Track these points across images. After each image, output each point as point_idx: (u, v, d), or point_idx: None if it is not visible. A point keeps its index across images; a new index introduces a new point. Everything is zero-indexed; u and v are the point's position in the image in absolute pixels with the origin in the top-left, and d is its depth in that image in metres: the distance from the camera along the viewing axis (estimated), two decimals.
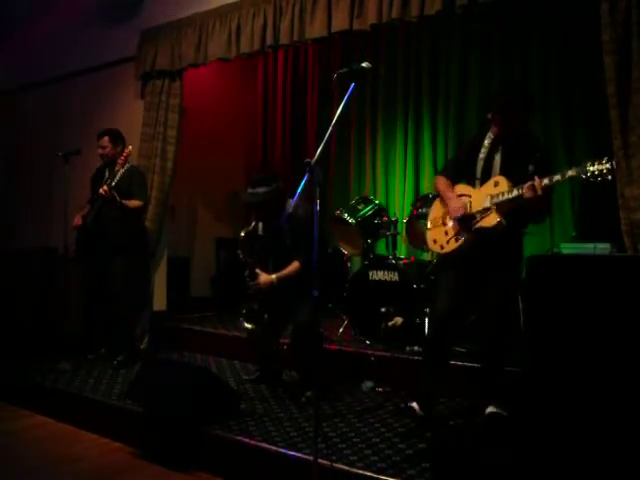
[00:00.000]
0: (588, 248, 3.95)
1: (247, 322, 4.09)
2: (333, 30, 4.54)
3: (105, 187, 4.63)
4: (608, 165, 2.80)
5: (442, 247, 3.49)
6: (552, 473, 2.45)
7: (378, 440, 3.22)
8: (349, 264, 5.57)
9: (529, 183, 3.05)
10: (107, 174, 4.92)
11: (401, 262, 4.75)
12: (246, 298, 4.08)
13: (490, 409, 3.32)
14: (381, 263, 4.73)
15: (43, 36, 6.68)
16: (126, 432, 3.85)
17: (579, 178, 2.89)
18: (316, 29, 4.62)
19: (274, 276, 3.94)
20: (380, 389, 4.13)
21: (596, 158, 2.85)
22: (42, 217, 6.31)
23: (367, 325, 4.69)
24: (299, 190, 2.91)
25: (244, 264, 4.10)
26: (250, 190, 3.97)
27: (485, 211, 3.26)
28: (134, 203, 4.85)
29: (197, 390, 3.55)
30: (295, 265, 3.91)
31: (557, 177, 2.99)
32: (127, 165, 4.81)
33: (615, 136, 3.48)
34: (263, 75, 7.30)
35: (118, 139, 5.02)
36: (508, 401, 3.31)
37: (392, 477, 2.75)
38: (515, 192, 3.11)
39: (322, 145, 2.73)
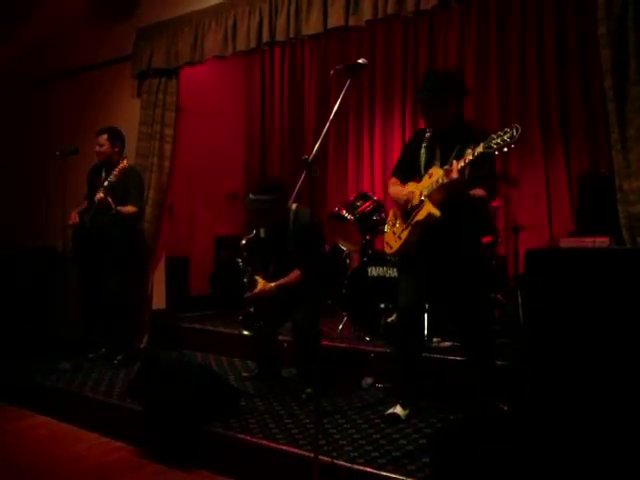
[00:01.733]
0: (587, 242, 3.95)
1: (245, 329, 4.08)
2: (329, 26, 4.53)
3: (101, 194, 4.60)
4: (510, 133, 2.79)
5: (391, 247, 3.50)
6: (553, 467, 2.45)
7: (378, 436, 3.22)
8: (348, 260, 5.57)
9: (445, 167, 3.05)
10: (103, 175, 4.90)
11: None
12: (244, 304, 4.06)
13: (489, 404, 3.33)
14: (380, 259, 4.73)
15: (40, 35, 6.66)
16: (127, 431, 3.85)
17: (488, 152, 2.88)
18: (312, 26, 4.61)
19: (273, 285, 3.93)
20: (380, 385, 4.13)
21: (499, 130, 2.85)
22: (40, 216, 6.29)
23: (367, 321, 4.69)
24: (297, 187, 2.89)
25: (243, 271, 4.09)
26: (254, 197, 3.95)
27: (420, 204, 3.25)
28: (129, 209, 4.82)
29: (197, 388, 3.55)
30: (296, 274, 3.91)
31: (469, 157, 2.98)
32: (122, 163, 4.80)
33: (612, 129, 3.48)
34: (260, 73, 7.29)
35: (117, 139, 4.99)
36: (507, 395, 3.32)
37: (392, 473, 2.76)
38: (440, 180, 3.10)
39: (319, 141, 2.73)
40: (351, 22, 4.42)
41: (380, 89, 6.40)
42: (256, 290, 3.94)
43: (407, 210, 3.35)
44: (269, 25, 4.86)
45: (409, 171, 3.50)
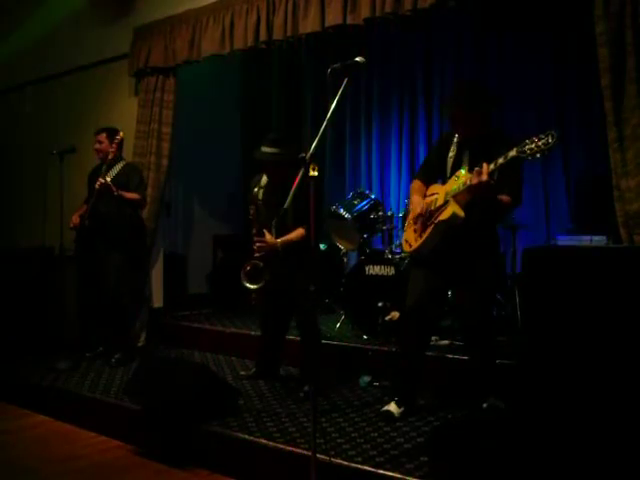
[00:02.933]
0: (584, 240, 3.95)
1: (249, 282, 3.90)
2: (327, 25, 4.53)
3: (101, 179, 4.62)
4: (544, 140, 2.78)
5: (410, 245, 3.50)
6: (551, 465, 2.46)
7: (376, 434, 3.22)
8: (345, 259, 5.57)
9: (475, 169, 3.04)
10: (104, 169, 4.90)
11: (397, 256, 4.76)
12: (251, 257, 3.94)
13: (487, 402, 3.34)
14: (377, 258, 4.73)
15: (38, 34, 6.65)
16: (124, 430, 3.85)
17: (521, 157, 2.86)
18: (309, 24, 4.60)
19: (279, 240, 3.87)
20: (378, 383, 4.13)
21: (535, 135, 2.83)
22: (37, 216, 6.30)
23: (364, 320, 4.69)
24: (295, 185, 2.89)
25: (252, 221, 4.02)
26: (265, 149, 3.89)
27: (444, 205, 3.26)
28: (132, 195, 4.84)
29: (195, 387, 3.55)
30: (300, 231, 3.86)
31: (500, 160, 2.96)
32: (123, 162, 4.80)
33: (610, 128, 3.48)
34: (259, 71, 7.28)
35: (115, 137, 4.99)
36: (505, 394, 3.32)
37: (390, 471, 2.76)
38: (468, 182, 3.09)
39: (316, 140, 2.72)
40: (349, 20, 4.41)
41: (377, 88, 6.40)
42: (265, 238, 3.86)
43: (429, 211, 3.35)
44: (267, 23, 4.85)
45: (434, 174, 3.52)
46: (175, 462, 3.43)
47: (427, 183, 3.53)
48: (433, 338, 4.34)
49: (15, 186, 7.07)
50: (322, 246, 5.56)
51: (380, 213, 5.11)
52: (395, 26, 4.93)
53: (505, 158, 2.94)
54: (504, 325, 4.57)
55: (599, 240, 3.96)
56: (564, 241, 4.25)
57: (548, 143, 2.76)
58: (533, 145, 2.80)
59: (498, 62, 5.64)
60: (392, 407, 3.45)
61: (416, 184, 3.59)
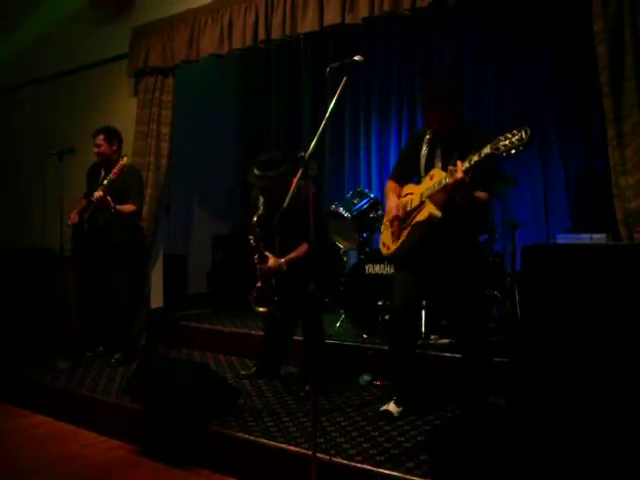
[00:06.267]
0: (584, 238, 3.96)
1: (258, 305, 3.99)
2: (325, 24, 4.53)
3: (100, 193, 4.58)
4: (518, 136, 2.70)
5: (388, 248, 3.48)
6: (550, 464, 2.46)
7: (376, 433, 3.22)
8: (345, 258, 5.57)
9: (449, 167, 3.01)
10: (103, 174, 4.89)
11: None
12: (255, 281, 4.01)
13: (487, 400, 3.34)
14: (377, 257, 4.73)
15: (37, 35, 6.65)
16: (125, 429, 3.85)
17: (495, 154, 2.80)
18: (308, 23, 4.61)
19: (283, 260, 3.91)
20: (378, 382, 4.13)
21: (509, 131, 2.76)
22: (37, 217, 6.30)
23: (364, 319, 4.69)
24: (294, 184, 2.89)
25: (254, 249, 4.02)
26: (258, 173, 3.88)
27: (421, 205, 3.23)
28: (128, 208, 4.77)
29: (195, 386, 3.55)
30: (303, 247, 3.88)
31: (475, 157, 2.91)
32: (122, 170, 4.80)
33: (609, 125, 3.48)
34: (259, 70, 7.28)
35: (113, 137, 4.98)
36: (505, 392, 3.32)
37: (390, 470, 2.76)
38: (443, 181, 3.06)
39: (315, 139, 2.72)
40: (347, 19, 4.42)
41: (376, 87, 6.40)
42: (268, 264, 3.91)
43: (405, 212, 3.34)
44: (265, 23, 4.85)
45: (408, 173, 3.50)
46: (175, 461, 3.43)
47: (401, 183, 3.51)
48: (432, 337, 4.35)
49: (15, 186, 7.07)
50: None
51: (380, 212, 5.10)
52: (394, 25, 4.96)
53: (479, 156, 2.89)
54: (504, 324, 4.58)
55: (599, 238, 3.96)
56: (563, 239, 4.25)
57: (522, 139, 2.70)
58: (507, 142, 2.75)
59: (497, 61, 5.63)
60: (391, 407, 3.45)
61: (391, 184, 3.56)
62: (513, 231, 4.94)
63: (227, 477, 3.23)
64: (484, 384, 3.42)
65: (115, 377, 4.55)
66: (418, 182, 3.39)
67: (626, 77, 3.43)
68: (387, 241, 3.50)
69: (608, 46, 3.46)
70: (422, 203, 3.22)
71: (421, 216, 3.21)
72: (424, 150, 3.39)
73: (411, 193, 3.37)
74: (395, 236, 3.41)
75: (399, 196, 3.46)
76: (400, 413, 3.44)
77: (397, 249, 3.39)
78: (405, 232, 3.33)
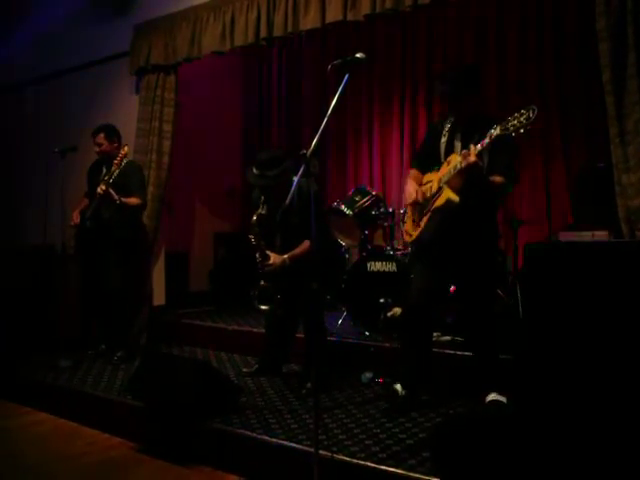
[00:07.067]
0: (586, 235, 3.95)
1: (261, 304, 3.99)
2: (327, 21, 4.53)
3: (103, 186, 4.60)
4: (526, 115, 2.81)
5: (410, 235, 3.53)
6: (553, 461, 2.45)
7: (379, 431, 3.22)
8: (347, 255, 5.57)
9: (462, 151, 3.07)
10: (104, 170, 4.90)
11: (399, 252, 4.75)
12: (258, 280, 4.00)
13: (490, 397, 3.34)
14: (379, 254, 4.73)
15: (38, 33, 6.65)
16: (127, 427, 3.85)
17: (505, 134, 2.90)
18: (310, 20, 4.60)
19: (286, 256, 3.91)
20: (380, 380, 4.13)
21: (517, 111, 2.86)
22: (39, 214, 6.30)
23: (366, 316, 4.69)
24: (295, 182, 2.89)
25: (255, 248, 4.02)
26: (257, 172, 3.86)
27: (439, 191, 3.27)
28: (133, 201, 4.81)
29: (197, 384, 3.55)
30: (306, 244, 3.88)
31: (486, 140, 3.00)
32: (125, 161, 4.79)
33: (611, 123, 3.48)
34: (259, 69, 7.28)
35: (113, 135, 4.99)
36: (507, 389, 3.33)
37: (393, 467, 2.76)
38: (458, 165, 3.11)
39: (317, 136, 2.72)
40: (349, 16, 4.41)
41: (379, 84, 6.39)
42: (270, 262, 3.92)
43: (425, 198, 3.38)
44: (267, 20, 4.85)
45: (428, 161, 3.53)
46: (177, 459, 3.44)
47: (423, 171, 3.56)
48: (435, 334, 4.34)
49: (17, 185, 7.07)
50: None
51: (381, 209, 5.10)
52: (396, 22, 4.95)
53: (490, 137, 2.98)
54: (506, 321, 4.57)
55: (601, 235, 3.95)
56: (565, 237, 4.24)
57: (530, 118, 2.80)
58: (515, 121, 2.85)
59: (499, 58, 5.62)
60: (397, 386, 3.50)
61: (412, 172, 3.63)
62: (515, 229, 4.93)
63: (229, 474, 3.23)
64: (487, 381, 3.42)
65: (117, 375, 4.56)
66: (439, 170, 3.43)
67: (629, 75, 3.42)
68: (409, 229, 3.55)
69: (610, 44, 3.46)
70: (440, 189, 3.26)
71: (439, 202, 3.25)
72: (444, 138, 3.44)
73: (431, 181, 3.41)
74: (416, 223, 3.45)
75: (420, 184, 3.51)
76: (404, 397, 3.46)
77: (418, 235, 3.43)
78: (425, 218, 3.37)
